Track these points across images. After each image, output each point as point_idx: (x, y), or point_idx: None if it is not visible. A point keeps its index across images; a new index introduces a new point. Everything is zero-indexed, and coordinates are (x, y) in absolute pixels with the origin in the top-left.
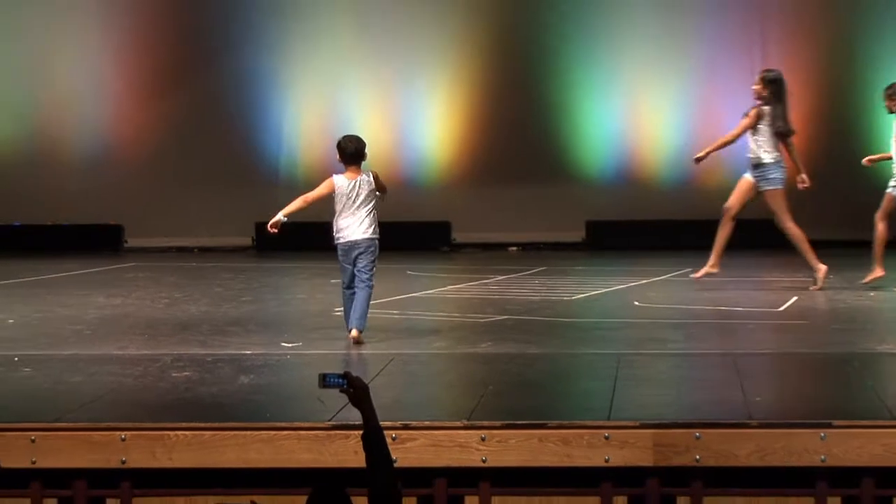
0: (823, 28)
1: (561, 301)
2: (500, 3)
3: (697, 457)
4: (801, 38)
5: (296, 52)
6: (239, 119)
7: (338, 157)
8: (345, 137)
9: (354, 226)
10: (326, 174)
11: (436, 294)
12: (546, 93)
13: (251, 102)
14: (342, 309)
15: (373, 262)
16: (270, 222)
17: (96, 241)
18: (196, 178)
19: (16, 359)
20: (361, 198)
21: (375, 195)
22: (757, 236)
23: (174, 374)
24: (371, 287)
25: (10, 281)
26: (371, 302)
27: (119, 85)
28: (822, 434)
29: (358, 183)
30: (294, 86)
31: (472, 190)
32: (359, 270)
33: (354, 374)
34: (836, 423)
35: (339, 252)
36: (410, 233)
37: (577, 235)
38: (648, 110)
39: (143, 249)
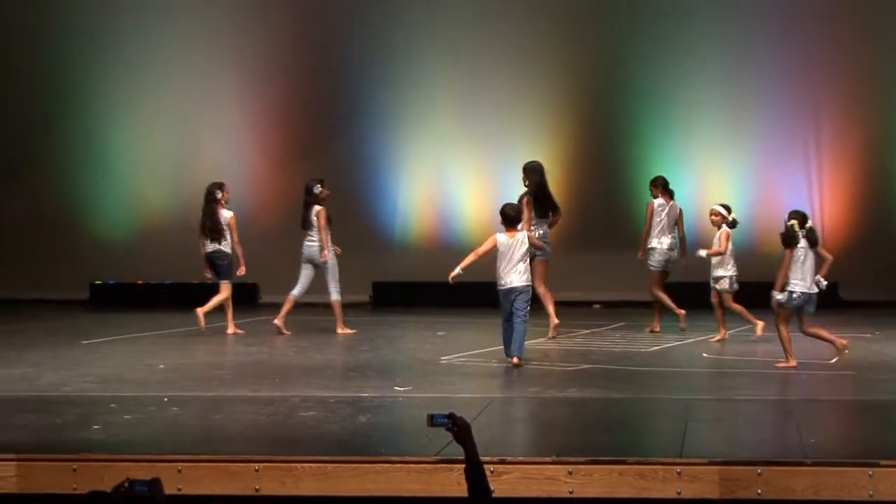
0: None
1: (640, 352)
2: (584, 104)
3: (759, 491)
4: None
5: (410, 130)
6: (359, 188)
7: (500, 220)
8: (506, 205)
9: (514, 274)
10: (436, 241)
11: (529, 345)
12: (623, 171)
13: (371, 174)
14: (449, 357)
15: (527, 302)
16: (451, 275)
17: (236, 298)
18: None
19: (165, 399)
20: (520, 253)
21: (528, 250)
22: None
23: (301, 413)
24: (526, 322)
25: (161, 332)
26: (471, 352)
27: (255, 156)
28: (870, 472)
29: (516, 240)
30: (407, 161)
31: (562, 254)
32: (516, 309)
33: (458, 414)
34: (882, 462)
35: (501, 296)
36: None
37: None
38: (713, 189)
39: (276, 305)
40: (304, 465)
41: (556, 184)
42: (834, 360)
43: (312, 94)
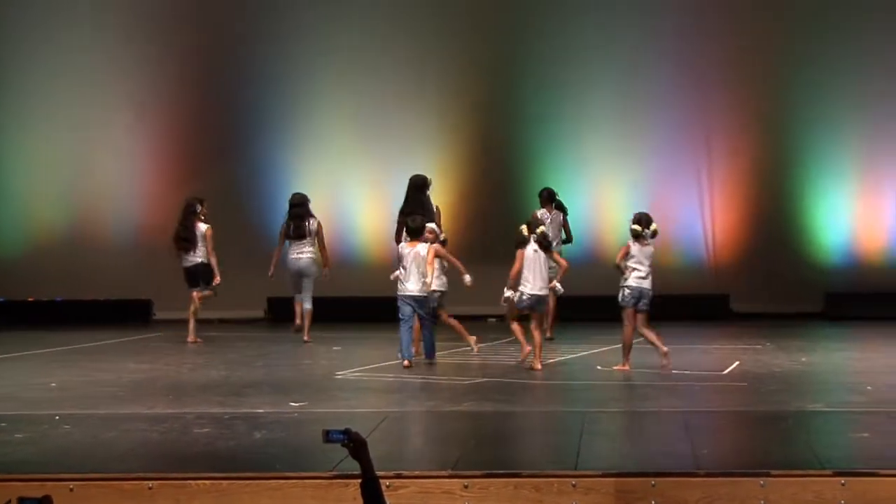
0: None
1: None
2: (479, 117)
3: (653, 501)
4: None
5: (305, 148)
6: (254, 203)
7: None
8: (413, 218)
9: (411, 282)
10: (332, 255)
11: (420, 360)
12: (519, 185)
13: (265, 188)
14: (345, 372)
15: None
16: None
17: (128, 315)
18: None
19: (57, 417)
20: (420, 263)
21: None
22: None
23: (196, 430)
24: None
25: (52, 349)
26: (367, 367)
27: (149, 173)
28: (762, 482)
29: (415, 251)
30: (303, 175)
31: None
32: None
33: (354, 429)
34: (773, 472)
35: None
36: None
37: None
38: (609, 203)
39: (169, 321)
40: (199, 482)
41: (451, 197)
42: (664, 364)
43: (207, 110)
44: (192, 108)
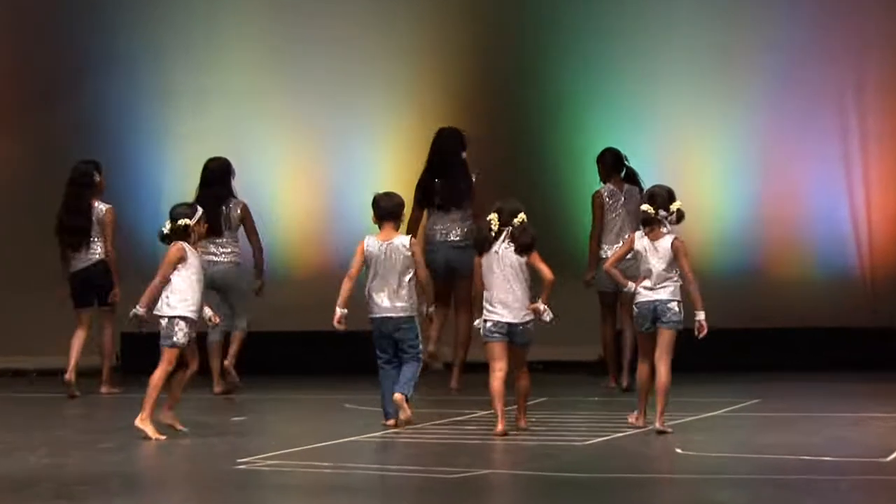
0: None
1: (570, 447)
2: (484, 12)
3: None
4: None
5: (171, 86)
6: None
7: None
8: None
9: (387, 296)
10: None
11: (385, 438)
12: (549, 145)
13: (123, 158)
14: (253, 458)
15: (416, 336)
16: (335, 318)
17: None
18: (33, 268)
19: None
20: (399, 265)
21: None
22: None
23: None
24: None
25: None
26: (288, 449)
27: None
28: None
29: (392, 246)
30: (176, 129)
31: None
32: (403, 347)
33: None
34: None
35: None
36: (354, 347)
37: (592, 353)
38: (695, 172)
39: None
40: None
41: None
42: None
43: (34, 46)
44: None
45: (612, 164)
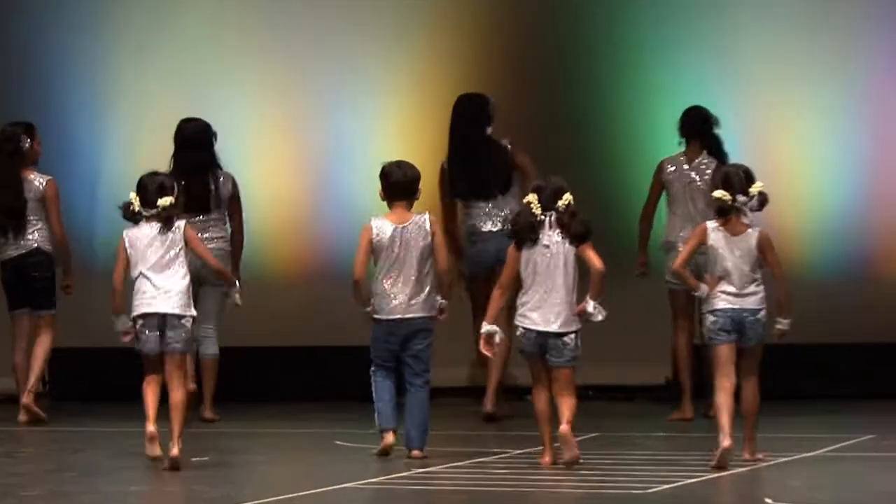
0: None
1: (627, 496)
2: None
3: None
4: None
5: (118, 32)
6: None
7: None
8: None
9: (405, 294)
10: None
11: (389, 483)
12: (602, 115)
13: (54, 121)
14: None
15: (429, 346)
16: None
17: None
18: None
19: None
20: (417, 252)
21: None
22: None
23: None
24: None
25: None
26: (273, 499)
27: None
28: None
29: (408, 229)
30: (121, 96)
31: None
32: (411, 363)
33: None
34: None
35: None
36: (338, 365)
37: (659, 373)
38: (787, 146)
39: None
40: None
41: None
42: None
43: None
44: None
45: (699, 126)
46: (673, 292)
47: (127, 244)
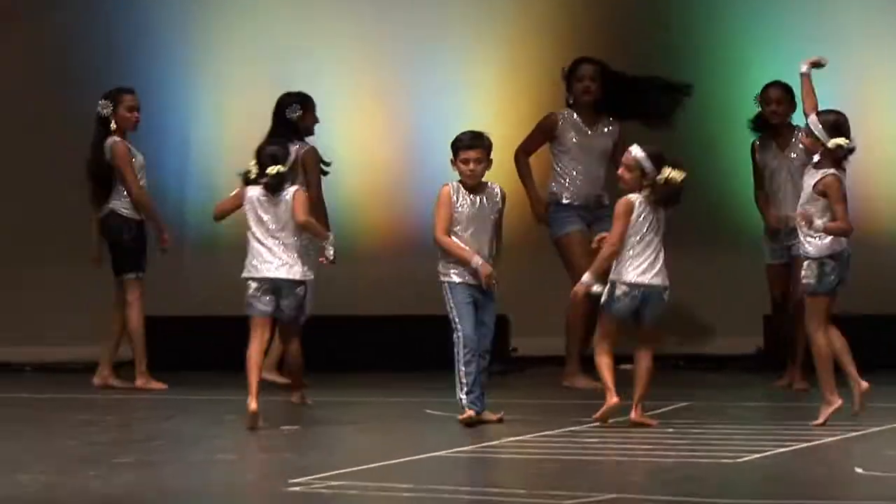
0: None
1: (717, 465)
2: None
3: None
4: None
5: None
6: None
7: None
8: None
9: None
10: None
11: (480, 452)
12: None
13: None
14: (309, 478)
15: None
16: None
17: None
18: (24, 239)
19: None
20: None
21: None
22: None
23: None
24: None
25: None
26: (352, 468)
27: None
28: None
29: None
30: (209, 68)
31: (542, 262)
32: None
33: None
34: None
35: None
36: (427, 334)
37: (750, 342)
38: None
39: None
40: None
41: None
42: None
43: None
44: None
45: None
46: (770, 266)
47: (245, 201)
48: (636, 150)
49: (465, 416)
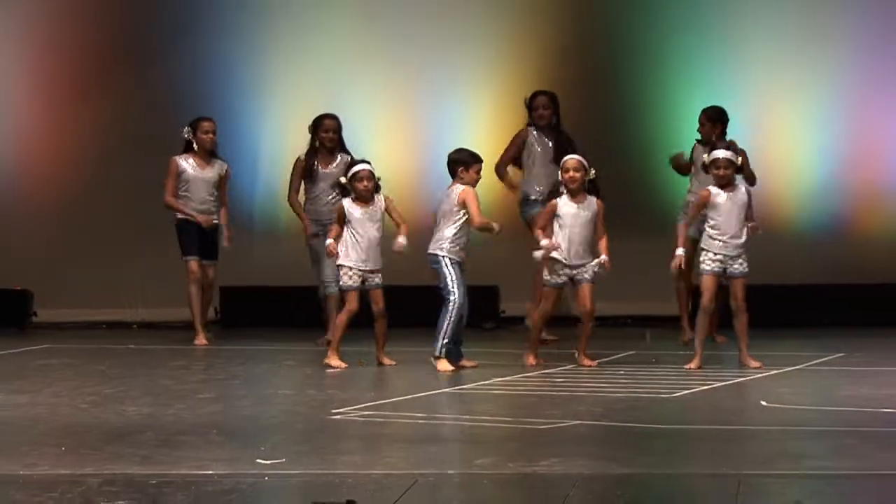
0: None
1: (656, 399)
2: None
3: None
4: None
5: (272, 44)
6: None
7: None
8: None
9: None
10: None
11: (476, 390)
12: (636, 104)
13: (222, 116)
14: (348, 409)
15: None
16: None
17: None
18: (132, 225)
19: None
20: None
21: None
22: None
23: (104, 503)
24: (447, 305)
25: None
26: (383, 400)
27: (27, 100)
28: None
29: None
30: (275, 94)
31: (529, 241)
32: None
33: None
34: None
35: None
36: (436, 303)
37: (674, 305)
38: (779, 128)
39: (59, 325)
40: None
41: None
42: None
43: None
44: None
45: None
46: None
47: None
48: (579, 157)
49: (444, 366)
